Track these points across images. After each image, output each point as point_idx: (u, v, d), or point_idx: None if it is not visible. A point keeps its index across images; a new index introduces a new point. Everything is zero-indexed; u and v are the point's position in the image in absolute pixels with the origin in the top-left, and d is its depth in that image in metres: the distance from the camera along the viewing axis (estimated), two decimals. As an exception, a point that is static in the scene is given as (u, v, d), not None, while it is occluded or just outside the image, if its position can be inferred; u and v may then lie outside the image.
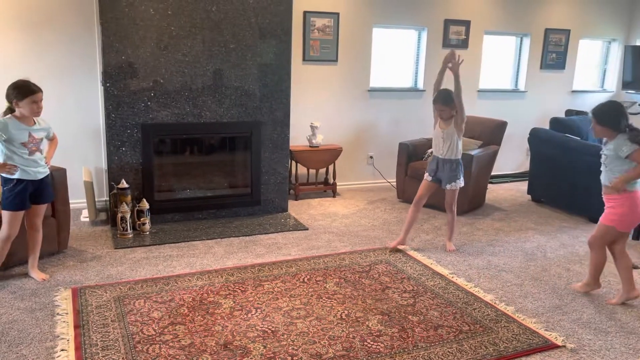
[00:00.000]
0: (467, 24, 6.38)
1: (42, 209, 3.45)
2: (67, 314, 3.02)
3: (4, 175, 3.23)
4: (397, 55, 6.34)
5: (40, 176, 3.33)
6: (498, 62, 6.96)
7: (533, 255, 4.22)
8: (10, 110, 3.19)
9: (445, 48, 6.34)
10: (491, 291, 3.53)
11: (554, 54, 7.04)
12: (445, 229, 4.78)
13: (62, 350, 2.66)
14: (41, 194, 3.38)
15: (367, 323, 3.03)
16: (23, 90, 3.13)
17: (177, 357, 2.63)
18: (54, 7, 4.59)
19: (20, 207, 3.26)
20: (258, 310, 3.14)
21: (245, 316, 3.06)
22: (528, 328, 3.03)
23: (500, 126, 5.59)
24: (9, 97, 3.16)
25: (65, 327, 2.87)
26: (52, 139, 3.50)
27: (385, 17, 5.99)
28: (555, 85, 7.20)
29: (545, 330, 3.02)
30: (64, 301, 3.17)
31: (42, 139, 3.34)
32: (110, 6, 4.16)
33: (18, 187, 3.22)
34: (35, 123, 3.27)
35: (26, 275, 3.51)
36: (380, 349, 2.76)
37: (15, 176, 3.22)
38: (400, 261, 3.98)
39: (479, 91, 6.72)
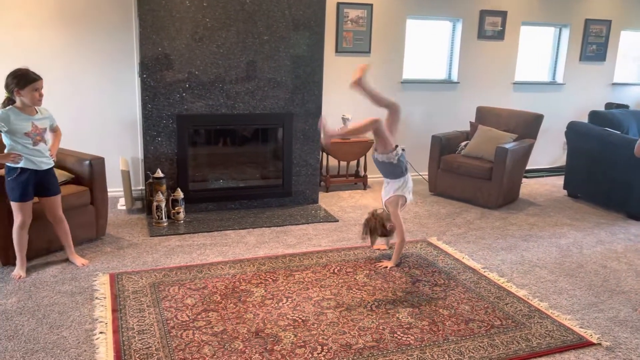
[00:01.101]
0: (503, 14, 6.25)
1: (54, 201, 3.43)
2: (105, 298, 3.11)
3: (8, 164, 3.20)
4: (431, 47, 6.26)
5: (45, 167, 3.31)
6: (535, 54, 6.80)
7: (568, 251, 4.14)
8: (10, 100, 3.15)
9: (480, 39, 6.25)
10: (524, 286, 3.48)
11: (594, 45, 6.84)
12: (479, 222, 4.74)
13: (101, 332, 2.75)
14: (47, 186, 3.36)
15: (397, 315, 3.03)
16: (24, 79, 3.08)
17: (210, 343, 2.69)
18: (93, 1, 4.70)
19: (24, 198, 3.25)
20: (289, 299, 3.18)
21: (277, 305, 3.10)
22: (562, 325, 2.98)
23: (536, 119, 5.48)
24: (8, 86, 3.10)
25: (103, 311, 2.96)
26: (55, 131, 3.45)
27: (420, 8, 5.92)
28: (595, 77, 7.00)
29: (580, 327, 2.97)
30: (102, 286, 3.27)
31: (45, 129, 3.29)
32: (148, -1, 4.24)
33: (21, 177, 3.21)
34: (37, 112, 3.24)
35: (66, 260, 3.63)
36: (410, 341, 2.77)
37: (20, 165, 3.20)
38: (431, 255, 3.95)
39: (514, 83, 6.59)
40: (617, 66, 7.11)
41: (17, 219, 3.30)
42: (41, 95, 3.18)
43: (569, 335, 2.88)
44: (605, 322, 3.04)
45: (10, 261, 3.47)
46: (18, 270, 3.38)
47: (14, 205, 3.27)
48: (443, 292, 3.34)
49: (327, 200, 5.31)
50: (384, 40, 5.85)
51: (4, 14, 4.49)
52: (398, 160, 3.67)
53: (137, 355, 2.56)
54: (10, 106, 3.15)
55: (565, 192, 5.81)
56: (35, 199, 3.37)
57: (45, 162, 3.32)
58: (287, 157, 4.97)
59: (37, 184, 3.31)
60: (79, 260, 3.58)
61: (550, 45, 6.86)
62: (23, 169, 3.22)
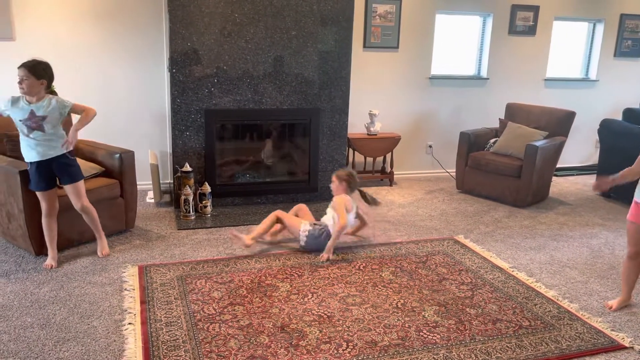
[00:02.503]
0: (535, 9, 6.12)
1: (72, 189, 3.41)
2: (134, 289, 3.17)
3: (25, 159, 3.35)
4: (460, 42, 6.17)
5: (51, 155, 3.30)
6: (567, 50, 6.64)
7: (600, 252, 4.04)
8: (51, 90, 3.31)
9: (511, 35, 6.13)
10: (554, 287, 3.41)
11: (630, 40, 6.65)
12: (507, 221, 4.66)
13: (130, 323, 2.80)
14: (62, 174, 3.38)
15: (423, 313, 3.01)
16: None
17: (236, 336, 2.71)
18: (125, -5, 4.77)
19: (36, 188, 3.35)
20: (314, 295, 3.18)
21: (302, 300, 3.11)
22: (593, 327, 2.92)
23: (568, 116, 5.35)
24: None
25: (132, 302, 3.02)
26: (81, 112, 3.34)
27: (449, 3, 5.84)
28: (630, 74, 6.80)
29: (612, 330, 2.90)
30: (131, 277, 3.33)
31: (45, 117, 3.22)
32: (178, -6, 4.28)
33: (32, 169, 3.31)
34: (40, 101, 3.23)
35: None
36: (437, 340, 2.74)
37: (26, 159, 3.32)
38: (458, 253, 3.91)
39: (545, 80, 6.45)
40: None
41: (42, 207, 3.41)
42: (22, 87, 3.18)
43: (600, 338, 2.81)
44: (638, 325, 2.96)
45: (43, 251, 3.56)
46: (49, 260, 3.47)
47: (37, 193, 3.39)
48: (470, 291, 3.30)
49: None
50: (412, 36, 5.79)
51: (40, 9, 4.59)
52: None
53: (165, 347, 2.60)
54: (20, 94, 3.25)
55: (597, 191, 5.68)
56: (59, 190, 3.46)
57: (50, 151, 3.30)
58: (313, 152, 4.97)
59: (50, 173, 3.35)
60: (103, 250, 3.64)
61: (584, 40, 6.69)
62: (30, 162, 3.32)
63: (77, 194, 3.45)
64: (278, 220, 3.92)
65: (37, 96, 3.23)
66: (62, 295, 3.09)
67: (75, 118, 3.51)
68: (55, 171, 3.38)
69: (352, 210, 3.93)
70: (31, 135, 3.26)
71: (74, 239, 3.74)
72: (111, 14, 4.77)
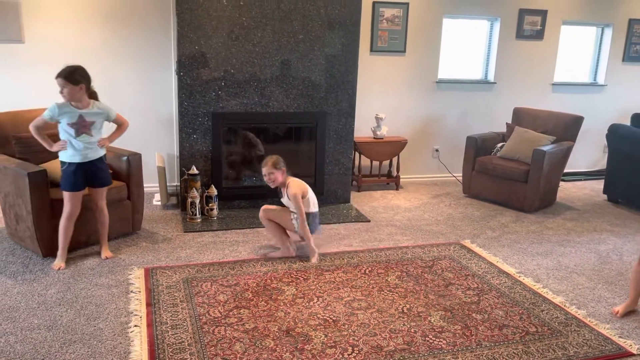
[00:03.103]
0: (543, 13, 6.11)
1: (99, 192, 3.58)
2: (140, 292, 3.18)
3: (61, 158, 3.42)
4: (467, 46, 6.16)
5: (91, 157, 3.44)
6: (575, 54, 6.62)
7: (607, 258, 4.02)
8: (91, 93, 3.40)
9: (519, 39, 6.12)
10: (561, 293, 3.39)
11: (638, 45, 6.61)
12: (514, 226, 4.65)
13: (135, 326, 2.81)
14: (95, 177, 3.51)
15: (429, 318, 2.99)
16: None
17: (241, 339, 2.71)
18: (133, 0, 4.81)
19: (72, 188, 3.42)
20: (319, 299, 3.18)
21: (307, 304, 3.11)
22: (600, 334, 2.89)
23: (576, 121, 5.33)
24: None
25: (138, 305, 3.03)
26: (120, 124, 3.59)
27: (456, 7, 5.83)
28: (639, 79, 6.76)
29: (620, 337, 2.87)
30: (137, 280, 3.34)
31: (94, 122, 3.40)
32: (186, -2, 4.30)
33: (70, 169, 3.40)
34: (90, 106, 3.38)
35: (103, 253, 3.73)
36: (442, 345, 2.73)
37: (64, 158, 3.40)
38: (464, 258, 3.89)
39: (553, 84, 6.43)
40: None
41: (66, 208, 3.46)
42: (64, 95, 3.30)
43: (608, 345, 2.79)
44: (647, 332, 2.94)
45: (50, 253, 3.58)
46: (58, 261, 3.49)
47: (64, 194, 3.45)
48: (476, 297, 3.28)
49: (359, 200, 5.29)
50: (419, 40, 5.78)
51: (49, 12, 4.63)
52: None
53: (170, 350, 2.60)
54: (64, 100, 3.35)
55: (605, 196, 5.64)
56: (86, 191, 3.52)
57: (91, 153, 3.45)
58: (319, 156, 4.97)
59: (86, 174, 3.46)
60: (104, 253, 3.67)
61: (592, 45, 6.66)
62: (70, 162, 3.40)
63: (102, 195, 3.62)
64: (270, 220, 3.86)
65: (83, 101, 3.36)
66: (69, 297, 3.10)
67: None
68: (92, 173, 3.49)
69: (308, 191, 3.82)
70: (78, 139, 3.38)
71: (81, 241, 3.76)
72: (119, 18, 4.80)
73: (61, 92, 3.29)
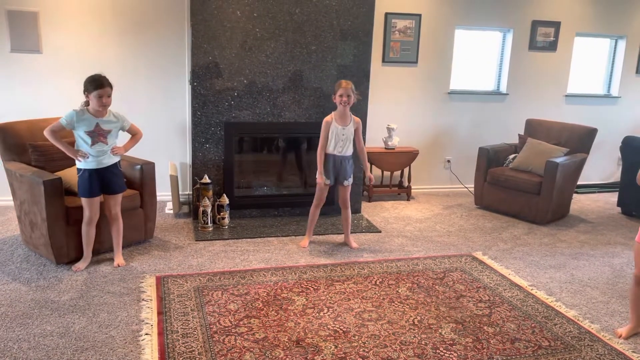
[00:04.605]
0: (556, 25, 6.09)
1: (114, 199, 3.62)
2: (151, 300, 3.20)
3: (77, 165, 3.48)
4: (480, 58, 6.16)
5: (106, 164, 3.49)
6: (589, 66, 6.58)
7: (622, 272, 3.97)
8: (86, 102, 3.40)
9: (532, 50, 6.10)
10: (574, 307, 3.35)
11: (653, 57, 6.56)
12: (526, 238, 4.61)
13: (147, 334, 2.82)
14: (110, 183, 3.55)
15: (440, 331, 2.98)
16: (92, 84, 3.32)
17: (252, 349, 2.71)
18: (149, 11, 4.87)
19: (88, 194, 3.47)
20: (330, 309, 3.17)
21: (317, 314, 3.10)
22: (614, 349, 2.85)
23: (590, 133, 5.29)
24: (84, 87, 3.36)
25: (149, 313, 3.04)
26: (134, 133, 3.64)
27: (469, 18, 5.84)
28: (653, 90, 6.71)
29: (634, 352, 2.83)
30: (149, 288, 3.36)
31: (110, 131, 3.46)
32: (201, 9, 4.35)
33: (85, 175, 3.45)
34: (106, 115, 3.43)
35: (116, 261, 3.76)
36: (453, 358, 2.71)
37: (81, 165, 3.45)
38: (476, 270, 3.87)
39: (566, 96, 6.40)
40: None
41: (85, 214, 3.53)
42: (105, 102, 3.36)
43: (622, 360, 2.76)
44: (662, 348, 2.90)
45: (64, 260, 3.62)
46: (79, 263, 3.60)
47: (82, 200, 3.51)
48: (488, 309, 3.26)
49: (370, 211, 5.29)
50: (431, 51, 5.80)
51: (66, 23, 4.71)
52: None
53: (181, 358, 2.61)
54: (82, 107, 3.40)
55: (619, 209, 5.58)
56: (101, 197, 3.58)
57: (106, 159, 3.49)
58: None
59: (101, 181, 3.51)
60: (117, 260, 3.71)
61: (606, 57, 6.63)
62: (85, 169, 3.45)
63: (117, 202, 3.66)
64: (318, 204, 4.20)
65: (104, 110, 3.42)
66: (82, 304, 3.13)
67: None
68: (106, 179, 3.53)
69: None
70: (95, 147, 3.43)
71: (95, 248, 3.79)
72: (135, 28, 4.87)
73: (104, 99, 3.33)
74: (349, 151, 4.10)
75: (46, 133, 3.39)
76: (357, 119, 4.11)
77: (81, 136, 3.40)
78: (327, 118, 4.05)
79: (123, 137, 3.66)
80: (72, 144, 3.47)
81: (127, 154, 3.75)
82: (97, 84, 3.31)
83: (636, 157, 5.27)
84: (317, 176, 4.14)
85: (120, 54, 4.89)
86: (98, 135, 3.42)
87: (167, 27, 4.94)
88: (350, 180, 4.19)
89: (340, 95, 3.94)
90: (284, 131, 4.88)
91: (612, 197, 5.96)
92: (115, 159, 3.57)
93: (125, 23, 4.85)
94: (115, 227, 3.70)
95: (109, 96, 3.38)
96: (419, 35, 5.68)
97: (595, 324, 3.14)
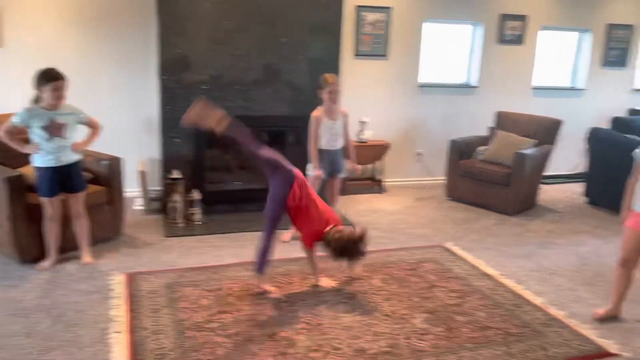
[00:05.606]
0: (524, 18, 6.19)
1: (76, 197, 3.52)
2: (120, 297, 3.13)
3: (35, 164, 3.36)
4: (450, 51, 6.22)
5: (66, 162, 3.39)
6: (555, 59, 6.72)
7: (587, 260, 4.07)
8: (38, 96, 3.28)
9: (501, 44, 6.19)
10: (542, 294, 3.42)
11: (616, 50, 6.73)
12: (496, 229, 4.69)
13: (116, 332, 2.77)
14: (70, 183, 3.45)
15: (412, 321, 3.00)
16: (45, 78, 3.21)
17: (224, 344, 2.69)
18: (113, 3, 4.75)
19: (48, 194, 3.37)
20: (303, 302, 3.17)
21: (291, 308, 3.09)
22: (580, 334, 2.92)
23: (556, 125, 5.40)
24: (34, 83, 3.24)
25: (118, 311, 2.98)
26: (93, 126, 3.54)
27: (439, 12, 5.88)
28: (617, 83, 6.88)
29: (599, 337, 2.91)
30: (118, 285, 3.29)
31: (66, 124, 3.34)
32: (168, 0, 4.27)
33: (44, 174, 3.35)
34: (60, 108, 3.32)
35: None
36: (425, 348, 2.73)
37: (39, 164, 3.34)
38: (448, 260, 3.91)
39: (534, 88, 6.51)
40: (638, 72, 6.98)
41: (46, 213, 3.44)
42: (60, 96, 3.26)
43: (588, 345, 2.82)
44: (625, 332, 2.98)
45: (28, 259, 3.52)
46: (47, 263, 3.51)
47: (42, 200, 3.41)
48: (459, 299, 3.30)
49: (343, 204, 5.28)
50: (402, 44, 5.82)
51: (29, 16, 4.57)
52: None
53: (152, 356, 2.57)
54: (32, 103, 3.28)
55: (585, 199, 5.72)
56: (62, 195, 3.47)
57: (66, 157, 3.39)
58: (303, 160, 4.93)
59: (61, 179, 3.40)
60: (85, 258, 3.62)
61: (572, 50, 6.77)
62: (44, 167, 3.34)
63: (80, 200, 3.55)
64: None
65: (59, 103, 3.31)
66: (48, 303, 3.05)
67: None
68: (66, 178, 3.43)
69: None
70: (52, 142, 3.31)
71: (61, 247, 3.69)
72: (100, 20, 4.75)
73: (59, 92, 3.23)
74: (340, 144, 4.11)
75: (0, 134, 3.30)
76: (345, 111, 4.10)
77: (37, 132, 3.28)
78: (316, 113, 4.02)
79: (83, 133, 3.55)
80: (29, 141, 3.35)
81: (93, 149, 3.67)
82: (52, 77, 3.21)
83: (601, 148, 5.41)
84: (311, 171, 4.06)
85: (86, 46, 4.76)
86: (54, 129, 3.29)
87: (133, 19, 4.82)
88: (344, 172, 4.17)
89: (329, 92, 3.93)
90: (256, 125, 4.82)
91: (579, 187, 6.10)
92: (76, 157, 3.46)
93: (90, 15, 4.72)
94: (79, 224, 3.60)
95: (64, 88, 3.28)
96: (389, 28, 5.70)
97: (562, 310, 3.21)
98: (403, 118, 6.06)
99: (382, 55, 5.75)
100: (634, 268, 3.07)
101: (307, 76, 4.77)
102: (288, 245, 4.09)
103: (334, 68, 4.83)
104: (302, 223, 3.24)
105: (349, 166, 4.25)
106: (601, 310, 3.15)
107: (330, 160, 4.09)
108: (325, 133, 4.01)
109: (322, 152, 4.05)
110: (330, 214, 3.30)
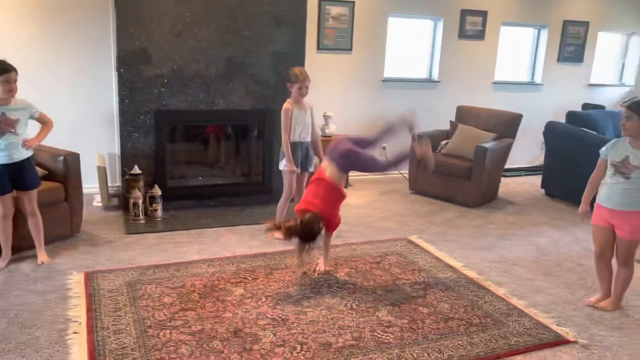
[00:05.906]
0: (484, 14, 6.30)
1: (28, 195, 3.39)
2: (79, 297, 3.04)
3: None
4: (413, 46, 6.27)
5: (17, 158, 3.26)
6: (514, 54, 6.86)
7: (546, 250, 4.18)
8: None
9: (461, 39, 6.28)
10: (503, 285, 3.50)
11: (572, 46, 6.94)
12: (458, 221, 4.76)
13: (74, 332, 2.68)
14: (22, 179, 3.33)
15: (377, 313, 3.02)
16: None
17: (188, 342, 2.64)
18: (69, -9, 4.59)
19: (1, 191, 3.25)
20: (269, 298, 3.14)
21: (256, 304, 3.06)
22: (540, 323, 3.00)
23: (515, 119, 5.53)
24: None
25: (77, 311, 2.89)
26: (44, 122, 3.40)
27: (401, 6, 5.92)
28: (573, 78, 7.10)
29: (557, 325, 2.99)
30: (76, 285, 3.19)
31: (17, 120, 3.21)
32: (126, -9, 4.15)
33: None
34: (11, 103, 3.19)
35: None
36: (390, 340, 2.76)
37: None
38: (411, 253, 3.95)
39: (494, 83, 6.64)
40: (594, 67, 7.22)
41: None
42: (12, 88, 3.13)
43: (546, 333, 2.90)
44: (582, 320, 3.08)
45: (-20, 259, 3.37)
46: (1, 262, 3.36)
47: None
48: (423, 291, 3.34)
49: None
50: (365, 38, 5.83)
51: (-24, 5, 4.36)
52: None
53: (112, 356, 2.50)
54: None
55: (543, 191, 5.88)
56: (14, 193, 3.34)
57: (17, 154, 3.26)
58: (267, 154, 4.92)
59: (12, 176, 3.27)
60: (41, 257, 3.50)
61: (530, 45, 6.93)
62: None
63: (32, 199, 3.41)
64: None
65: (10, 97, 3.16)
66: (2, 304, 2.93)
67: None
68: (18, 175, 3.29)
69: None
70: (2, 138, 3.17)
71: (14, 246, 3.55)
72: (56, 10, 4.57)
73: (10, 84, 3.09)
74: (309, 137, 4.07)
75: None
76: (311, 103, 4.07)
77: None
78: (287, 105, 3.96)
79: (34, 129, 3.41)
80: None
81: (49, 144, 3.54)
82: (2, 69, 3.07)
83: (557, 142, 5.56)
84: (285, 165, 3.99)
85: (41, 37, 4.58)
86: (4, 125, 3.16)
87: (90, 9, 4.66)
88: (312, 166, 4.13)
89: (300, 88, 3.90)
90: (218, 119, 4.77)
91: (537, 180, 6.26)
92: (28, 154, 3.33)
93: (45, 4, 4.53)
94: (33, 223, 3.47)
95: (15, 81, 3.14)
96: (353, 22, 5.70)
97: (522, 300, 3.29)
98: (367, 112, 6.08)
99: (346, 49, 5.75)
100: (611, 258, 3.19)
101: (271, 70, 4.73)
102: (252, 241, 4.05)
103: (300, 61, 4.80)
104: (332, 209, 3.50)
105: (315, 161, 4.22)
106: (594, 299, 3.27)
107: (302, 153, 4.05)
108: (298, 124, 3.96)
109: (294, 145, 4.00)
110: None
